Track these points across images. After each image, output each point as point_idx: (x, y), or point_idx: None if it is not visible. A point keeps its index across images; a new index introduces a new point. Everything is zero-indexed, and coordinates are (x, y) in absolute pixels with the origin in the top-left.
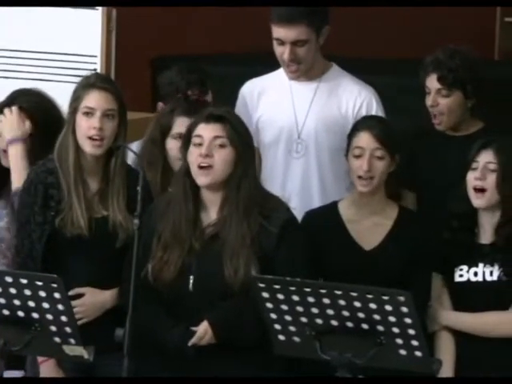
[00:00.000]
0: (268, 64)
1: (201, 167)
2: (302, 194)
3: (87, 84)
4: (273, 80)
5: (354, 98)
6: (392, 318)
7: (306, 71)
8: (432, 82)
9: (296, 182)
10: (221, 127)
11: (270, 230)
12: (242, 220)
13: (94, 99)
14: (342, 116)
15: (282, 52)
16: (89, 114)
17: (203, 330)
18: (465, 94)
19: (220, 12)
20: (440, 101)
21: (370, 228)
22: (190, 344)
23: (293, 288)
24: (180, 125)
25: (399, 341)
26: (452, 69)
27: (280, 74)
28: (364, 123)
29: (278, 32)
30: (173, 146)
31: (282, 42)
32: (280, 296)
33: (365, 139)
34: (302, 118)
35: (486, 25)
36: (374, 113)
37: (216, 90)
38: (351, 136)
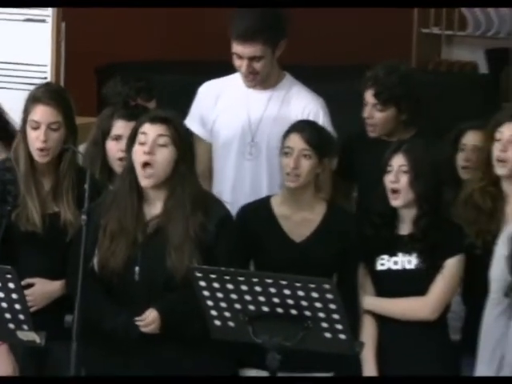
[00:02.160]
0: (210, 72)
1: (143, 165)
2: (252, 194)
3: (34, 98)
4: (230, 84)
5: (302, 107)
6: (318, 304)
7: (262, 81)
8: (369, 96)
9: (247, 183)
10: (165, 128)
11: (209, 228)
12: (188, 216)
13: (40, 113)
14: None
15: (241, 65)
16: (35, 127)
17: (152, 318)
18: (399, 109)
19: (161, 22)
20: (375, 114)
21: (299, 222)
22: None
23: (227, 277)
24: (118, 127)
25: (325, 325)
26: (388, 86)
27: (238, 79)
28: (296, 126)
29: (237, 48)
30: (111, 146)
31: (240, 57)
32: (216, 284)
33: (294, 140)
34: (255, 123)
35: (404, 35)
36: (320, 122)
37: (158, 96)
38: (284, 137)
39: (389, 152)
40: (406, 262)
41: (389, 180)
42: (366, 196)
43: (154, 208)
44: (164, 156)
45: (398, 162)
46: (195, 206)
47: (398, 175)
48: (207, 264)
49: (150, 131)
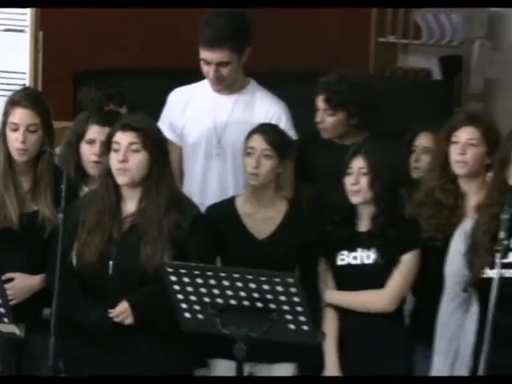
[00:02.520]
0: (182, 79)
1: (119, 171)
2: (218, 193)
3: (13, 101)
4: (198, 90)
5: (266, 111)
6: (282, 298)
7: (228, 86)
8: (320, 102)
9: (214, 182)
10: (135, 135)
11: (183, 226)
12: (162, 215)
13: (18, 116)
14: None
15: (208, 71)
16: (14, 128)
17: (122, 308)
18: (349, 114)
19: (136, 30)
20: (326, 119)
21: (262, 220)
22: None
23: (197, 272)
24: (92, 132)
25: (289, 317)
26: (338, 92)
27: (205, 85)
28: (258, 128)
29: (205, 54)
30: (85, 149)
31: (207, 63)
32: (186, 279)
33: (256, 141)
34: (221, 126)
35: (362, 44)
36: (282, 125)
37: (131, 101)
38: (247, 138)
39: (349, 155)
40: (364, 257)
41: (349, 182)
42: (320, 195)
43: (130, 207)
44: (137, 161)
45: (358, 164)
46: (169, 205)
47: (358, 177)
48: (180, 259)
49: (122, 140)
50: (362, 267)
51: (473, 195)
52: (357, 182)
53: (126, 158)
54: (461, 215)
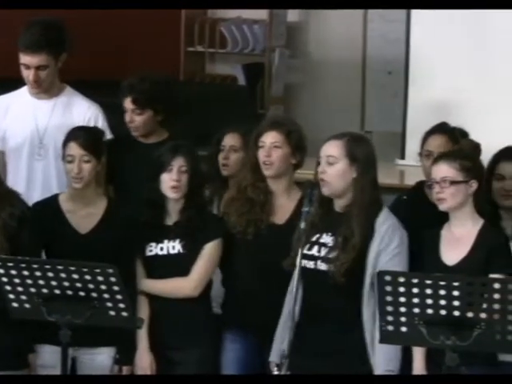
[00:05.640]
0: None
1: None
2: (43, 190)
3: None
4: (17, 97)
5: (84, 112)
6: (103, 287)
7: (46, 89)
8: (128, 103)
9: (38, 180)
10: None
11: (11, 224)
12: None
13: None
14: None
15: (28, 74)
16: None
17: None
18: (155, 111)
19: None
20: (135, 118)
21: (84, 216)
22: None
23: (23, 265)
24: None
25: (109, 304)
26: (143, 92)
27: (24, 92)
28: (72, 134)
29: (24, 59)
30: None
31: (27, 67)
32: (13, 271)
33: (73, 148)
34: (42, 129)
35: (173, 53)
36: (100, 124)
37: None
38: (64, 146)
39: (169, 153)
40: (170, 247)
41: (171, 178)
42: (123, 191)
43: None
44: None
45: (179, 162)
46: None
47: (179, 174)
48: (12, 253)
49: None
50: (168, 257)
51: (280, 192)
52: (179, 178)
53: None
54: (270, 211)
